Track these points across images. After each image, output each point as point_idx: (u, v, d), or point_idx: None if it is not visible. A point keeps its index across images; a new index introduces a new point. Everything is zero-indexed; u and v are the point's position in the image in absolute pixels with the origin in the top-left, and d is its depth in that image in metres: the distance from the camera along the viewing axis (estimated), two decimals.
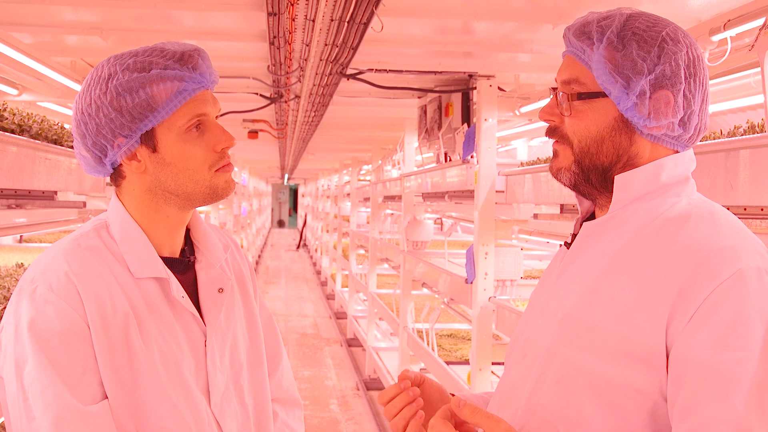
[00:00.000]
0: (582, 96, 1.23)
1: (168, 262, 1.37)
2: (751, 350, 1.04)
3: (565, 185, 1.31)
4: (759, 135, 2.02)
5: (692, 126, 1.22)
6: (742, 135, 2.14)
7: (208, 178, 1.35)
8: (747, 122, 2.19)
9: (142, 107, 1.28)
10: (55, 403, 1.19)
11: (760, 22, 2.09)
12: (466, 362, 4.87)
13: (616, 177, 1.25)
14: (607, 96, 1.21)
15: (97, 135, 1.31)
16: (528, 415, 1.25)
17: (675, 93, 1.19)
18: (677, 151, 1.25)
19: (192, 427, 1.32)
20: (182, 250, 1.43)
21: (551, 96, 1.33)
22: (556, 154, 1.30)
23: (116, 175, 1.37)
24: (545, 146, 6.57)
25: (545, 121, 1.30)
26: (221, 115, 5.82)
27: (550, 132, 1.30)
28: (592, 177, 1.26)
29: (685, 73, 1.19)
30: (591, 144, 1.24)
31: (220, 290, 1.43)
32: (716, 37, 2.30)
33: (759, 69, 2.12)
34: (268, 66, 3.85)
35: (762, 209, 1.88)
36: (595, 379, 1.17)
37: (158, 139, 1.32)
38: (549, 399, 1.23)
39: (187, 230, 1.46)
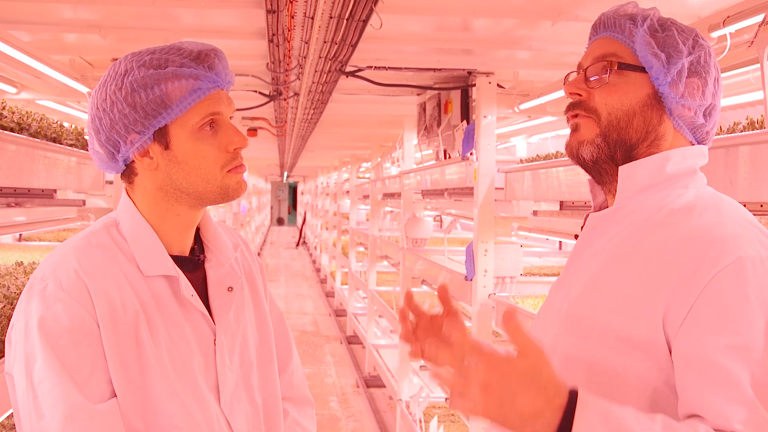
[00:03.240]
0: (622, 66, 1.25)
1: (178, 260, 1.37)
2: (753, 336, 1.05)
3: (584, 160, 1.28)
4: (758, 131, 2.02)
5: (713, 120, 1.27)
6: (741, 131, 2.14)
7: (219, 178, 1.35)
8: (746, 119, 2.19)
9: (156, 103, 1.29)
10: (64, 401, 1.19)
11: (759, 18, 2.08)
12: None
13: (620, 168, 1.26)
14: (642, 72, 1.24)
15: (110, 130, 1.31)
16: None
17: (704, 82, 1.23)
18: (692, 143, 1.27)
19: (202, 426, 1.31)
20: (192, 249, 1.43)
21: (564, 89, 1.34)
22: (576, 127, 1.29)
23: (128, 172, 1.37)
24: (545, 143, 6.57)
25: (571, 94, 1.30)
26: None
27: (574, 106, 1.29)
28: (618, 153, 1.26)
29: (715, 67, 1.25)
30: (622, 116, 1.24)
31: (230, 289, 1.43)
32: (715, 34, 2.29)
33: (758, 65, 2.12)
34: (267, 63, 3.85)
35: (762, 205, 1.89)
36: (594, 367, 1.19)
37: (171, 137, 1.32)
38: None
39: (198, 229, 1.46)
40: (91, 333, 1.24)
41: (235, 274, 1.45)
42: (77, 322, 1.23)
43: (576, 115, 1.29)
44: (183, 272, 1.36)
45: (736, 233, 1.12)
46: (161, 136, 1.32)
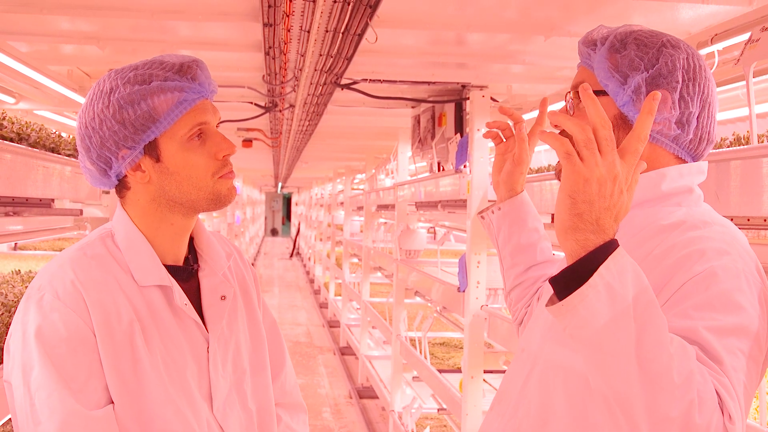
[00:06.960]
0: None
1: (171, 270, 1.40)
2: (717, 317, 1.05)
3: None
4: (745, 147, 2.06)
5: (691, 129, 1.24)
6: (728, 147, 2.18)
7: (210, 185, 1.37)
8: (733, 134, 2.23)
9: (145, 118, 1.31)
10: (61, 408, 1.21)
11: (745, 36, 2.13)
12: (459, 370, 4.89)
13: None
14: (607, 95, 1.26)
15: (101, 148, 1.34)
16: (518, 405, 1.32)
17: (671, 91, 1.22)
18: (679, 157, 1.27)
19: (196, 431, 1.34)
20: (186, 259, 1.46)
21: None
22: None
23: (121, 187, 1.40)
24: (537, 156, 6.60)
25: (554, 126, 1.34)
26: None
27: None
28: None
29: (683, 75, 1.23)
30: None
31: (223, 298, 1.45)
32: (704, 51, 2.34)
33: (745, 82, 2.16)
34: (263, 76, 3.89)
35: (748, 219, 1.91)
36: (568, 373, 1.22)
37: (161, 149, 1.34)
38: (533, 393, 1.29)
39: (191, 239, 1.49)
40: (88, 341, 1.26)
41: (228, 283, 1.48)
42: (74, 331, 1.26)
43: None
44: (177, 281, 1.39)
45: (717, 247, 1.13)
46: (152, 150, 1.34)
